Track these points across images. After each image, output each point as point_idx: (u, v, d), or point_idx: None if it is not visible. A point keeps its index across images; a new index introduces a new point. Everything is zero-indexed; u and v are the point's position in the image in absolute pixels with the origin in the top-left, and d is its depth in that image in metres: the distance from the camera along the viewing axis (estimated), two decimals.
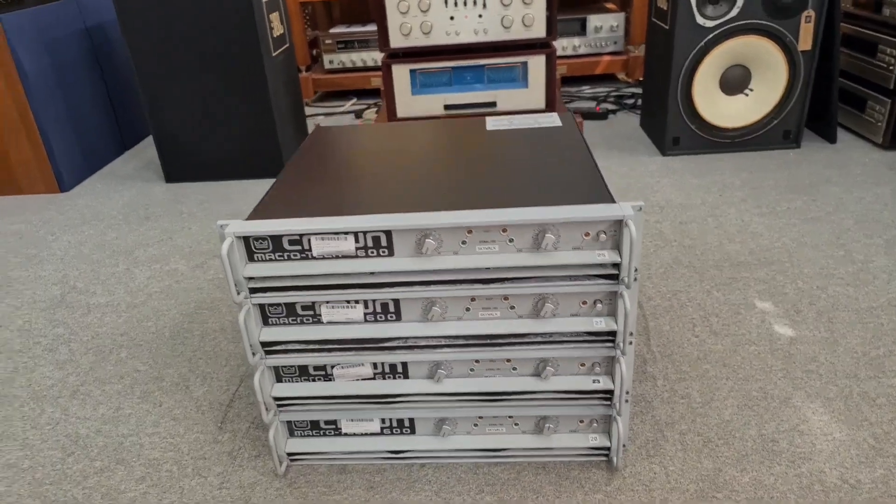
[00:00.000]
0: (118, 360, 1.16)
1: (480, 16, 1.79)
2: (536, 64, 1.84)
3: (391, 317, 0.80)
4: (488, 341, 0.79)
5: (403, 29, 1.81)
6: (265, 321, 0.82)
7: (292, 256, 0.77)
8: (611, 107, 2.38)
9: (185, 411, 1.03)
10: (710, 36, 1.75)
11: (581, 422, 0.86)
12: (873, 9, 1.83)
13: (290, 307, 0.80)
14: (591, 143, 2.04)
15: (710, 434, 0.90)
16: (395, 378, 0.84)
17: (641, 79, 2.59)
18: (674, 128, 1.87)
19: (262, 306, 0.80)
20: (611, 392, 0.82)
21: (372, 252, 0.76)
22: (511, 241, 0.74)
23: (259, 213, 0.79)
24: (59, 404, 1.06)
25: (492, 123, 1.05)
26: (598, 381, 0.82)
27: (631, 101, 2.40)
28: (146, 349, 1.19)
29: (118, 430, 1.00)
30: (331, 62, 2.65)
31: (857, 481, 0.81)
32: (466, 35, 1.82)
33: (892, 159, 1.75)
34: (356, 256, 0.76)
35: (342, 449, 0.88)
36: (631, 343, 0.77)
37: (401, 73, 1.87)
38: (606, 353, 0.79)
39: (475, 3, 1.78)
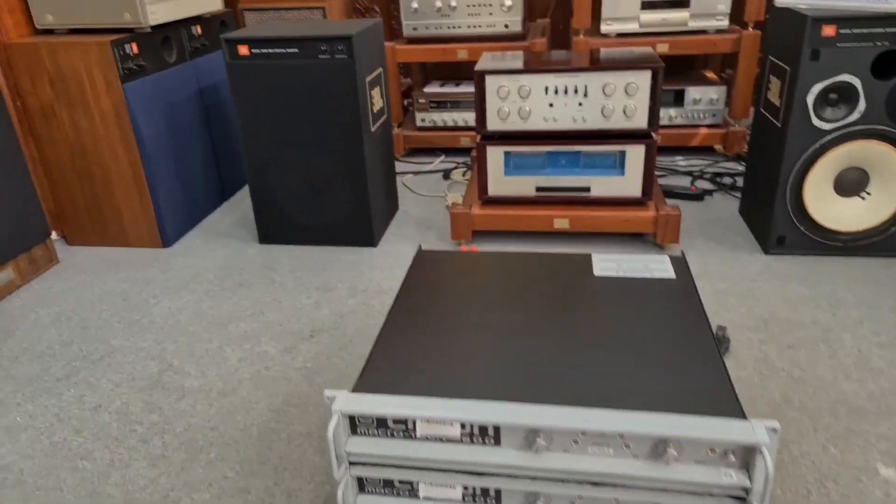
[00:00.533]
0: (208, 461, 1.18)
1: (581, 104, 1.76)
2: (635, 153, 1.79)
3: (491, 501, 0.77)
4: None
5: (501, 114, 1.80)
6: (361, 489, 0.80)
7: (395, 434, 0.75)
8: (707, 186, 2.28)
9: None
10: (827, 139, 1.64)
11: None
12: None
13: (388, 481, 0.78)
14: (686, 230, 1.95)
15: None
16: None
17: (740, 153, 2.48)
18: (780, 226, 1.77)
19: (359, 479, 0.79)
20: None
21: (478, 440, 0.73)
22: (627, 446, 0.70)
23: (366, 380, 0.78)
24: None
25: (600, 266, 1.01)
26: None
27: (730, 182, 2.30)
28: (234, 450, 1.20)
29: None
30: (423, 120, 2.68)
31: None
32: (564, 122, 1.79)
33: None
34: (461, 441, 0.74)
35: None
36: None
37: (495, 155, 1.85)
38: None
39: (576, 91, 1.75)
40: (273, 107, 1.81)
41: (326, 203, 1.92)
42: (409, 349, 0.80)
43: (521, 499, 0.75)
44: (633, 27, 2.40)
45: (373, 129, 1.89)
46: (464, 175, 2.50)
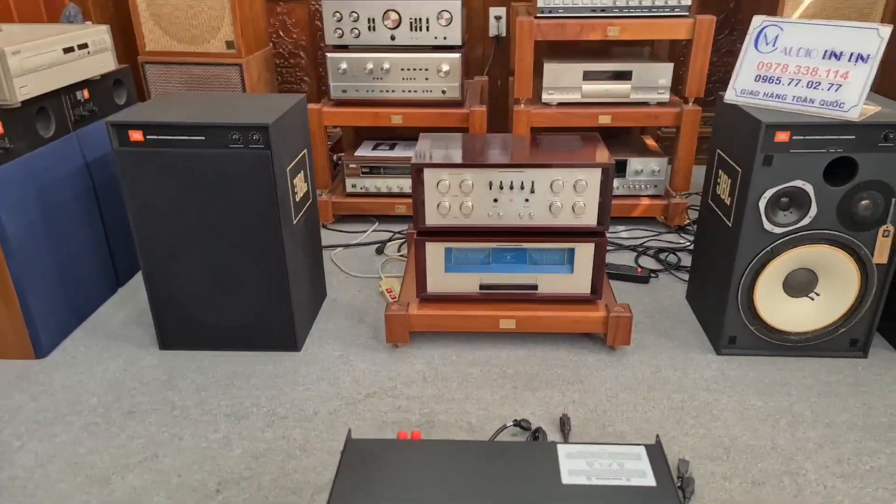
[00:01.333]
0: None
1: (527, 200, 1.64)
2: (584, 251, 1.68)
3: None
4: None
5: (441, 209, 1.65)
6: None
7: None
8: (652, 264, 2.21)
9: None
10: (778, 242, 1.58)
11: None
12: None
13: None
14: (635, 322, 1.85)
15: None
16: None
17: (681, 224, 2.43)
18: (732, 327, 1.70)
19: None
20: None
21: None
22: None
23: None
24: None
25: (567, 463, 0.86)
26: None
27: (674, 260, 2.23)
28: None
29: None
30: (353, 186, 2.50)
31: None
32: (510, 218, 1.66)
33: None
34: None
35: None
36: None
37: (435, 251, 1.70)
38: None
39: (522, 187, 1.62)
40: (173, 198, 1.57)
41: (239, 301, 1.69)
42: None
43: None
44: (575, 97, 2.32)
45: (295, 221, 1.70)
46: (399, 251, 2.34)
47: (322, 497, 1.29)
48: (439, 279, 1.73)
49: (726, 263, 1.65)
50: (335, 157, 2.86)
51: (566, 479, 0.84)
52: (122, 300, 2.01)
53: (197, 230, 1.60)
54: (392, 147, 2.57)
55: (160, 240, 1.62)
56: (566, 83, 2.29)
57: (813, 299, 1.67)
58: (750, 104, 1.58)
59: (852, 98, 1.45)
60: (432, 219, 1.66)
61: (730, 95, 1.62)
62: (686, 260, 2.21)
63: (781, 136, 1.48)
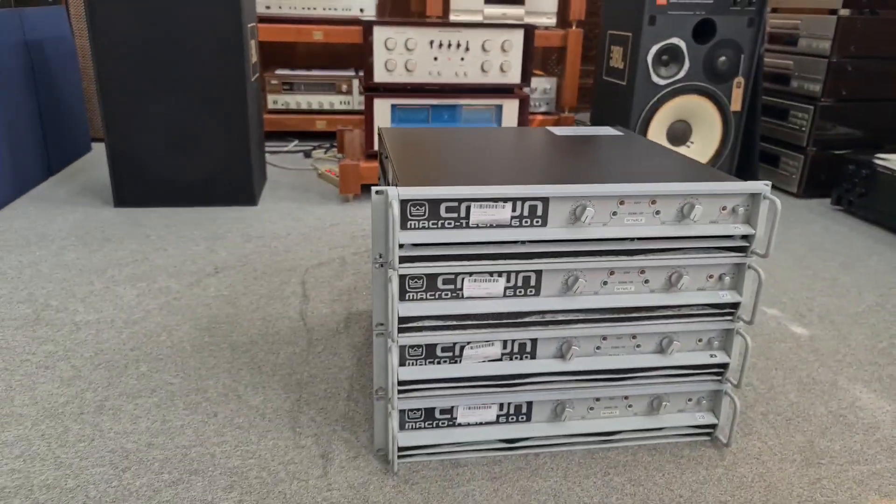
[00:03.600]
0: (140, 374, 1.02)
1: (462, 59, 1.88)
2: (510, 107, 1.95)
3: (531, 291, 0.80)
4: (621, 315, 0.81)
5: (389, 65, 1.85)
6: (402, 296, 0.78)
7: (447, 225, 0.75)
8: None
9: (249, 420, 0.92)
10: (663, 92, 1.97)
11: (689, 400, 0.89)
12: (785, 82, 2.16)
13: (432, 281, 0.77)
14: None
15: (788, 413, 0.97)
16: (522, 359, 0.83)
17: None
18: None
19: (402, 278, 0.77)
20: (725, 366, 0.86)
21: (527, 222, 0.76)
22: (657, 213, 0.78)
23: (408, 180, 0.76)
24: (86, 420, 0.90)
25: (556, 132, 1.11)
26: (715, 356, 0.86)
27: None
28: (171, 363, 1.06)
29: (175, 442, 0.87)
30: (275, 102, 2.61)
31: None
32: (447, 76, 1.90)
33: (808, 205, 2.03)
34: (510, 226, 0.76)
35: (456, 440, 0.84)
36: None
37: (382, 107, 1.89)
38: (726, 325, 0.84)
39: (458, 46, 1.87)
40: (140, 46, 1.64)
41: (199, 158, 1.77)
42: (437, 166, 0.79)
43: (559, 279, 0.79)
44: (477, 19, 2.62)
45: (252, 79, 1.82)
46: (326, 153, 2.48)
47: (316, 273, 1.41)
48: None
49: (623, 116, 2.01)
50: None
51: (560, 133, 1.08)
52: (59, 182, 1.98)
53: (162, 82, 1.67)
54: (309, 70, 2.72)
55: (124, 91, 1.67)
56: (470, 6, 2.60)
57: (689, 147, 2.08)
58: None
59: None
60: (380, 76, 1.86)
61: None
62: None
63: (661, 0, 1.87)
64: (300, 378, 1.02)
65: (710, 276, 0.83)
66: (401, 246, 0.74)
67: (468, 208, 0.75)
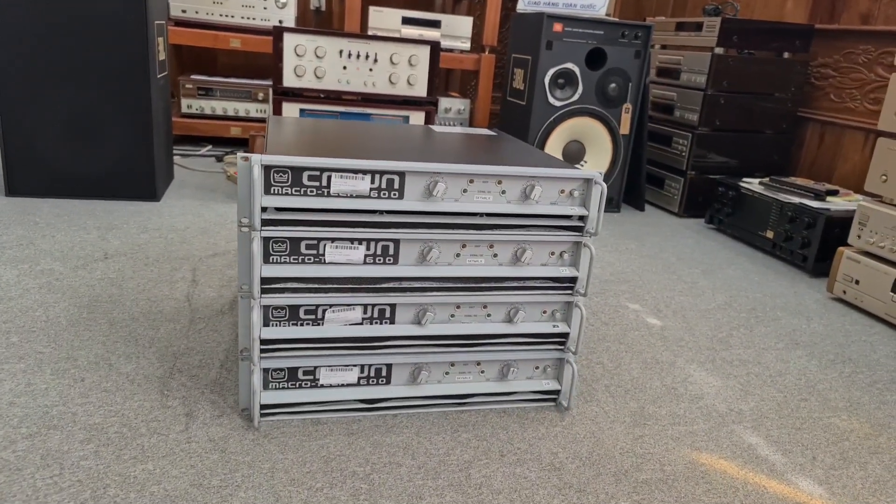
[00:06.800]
0: (9, 343, 1.02)
1: (371, 70, 1.98)
2: (417, 118, 2.06)
3: (389, 259, 0.87)
4: (473, 284, 0.90)
5: (298, 70, 1.92)
6: (266, 259, 0.83)
7: (309, 192, 0.82)
8: None
9: (117, 384, 0.94)
10: (558, 113, 2.12)
11: (536, 368, 0.98)
12: (669, 111, 2.37)
13: (295, 245, 0.83)
14: None
15: (628, 386, 1.08)
16: (382, 323, 0.90)
17: None
18: None
19: (266, 241, 0.82)
20: (566, 336, 0.96)
21: (384, 194, 0.84)
22: (503, 192, 0.88)
23: (275, 151, 0.83)
24: None
25: (437, 129, 1.20)
26: (557, 326, 0.96)
27: None
28: (43, 335, 1.06)
29: (37, 402, 0.88)
30: (189, 107, 2.61)
31: (740, 410, 1.04)
32: (356, 85, 1.98)
33: (686, 223, 2.22)
34: (369, 197, 0.84)
35: (318, 399, 0.89)
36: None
37: (291, 111, 1.95)
38: (566, 298, 0.94)
39: (367, 57, 1.96)
40: (40, 42, 1.64)
41: (98, 150, 1.77)
42: (306, 142, 0.85)
43: (415, 250, 0.87)
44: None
45: (158, 76, 1.84)
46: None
47: (209, 262, 1.44)
48: None
49: (523, 138, 2.15)
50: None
51: (438, 130, 1.17)
52: None
53: (62, 70, 1.67)
54: (226, 77, 2.75)
55: (20, 74, 1.65)
56: (388, 24, 2.71)
57: (582, 167, 2.23)
58: (535, 11, 2.13)
59: (601, 2, 2.06)
60: (290, 80, 1.93)
61: (521, 6, 2.16)
62: None
63: (557, 27, 2.04)
64: (176, 350, 1.05)
65: (552, 253, 0.93)
66: (264, 209, 0.81)
67: (329, 178, 0.82)
